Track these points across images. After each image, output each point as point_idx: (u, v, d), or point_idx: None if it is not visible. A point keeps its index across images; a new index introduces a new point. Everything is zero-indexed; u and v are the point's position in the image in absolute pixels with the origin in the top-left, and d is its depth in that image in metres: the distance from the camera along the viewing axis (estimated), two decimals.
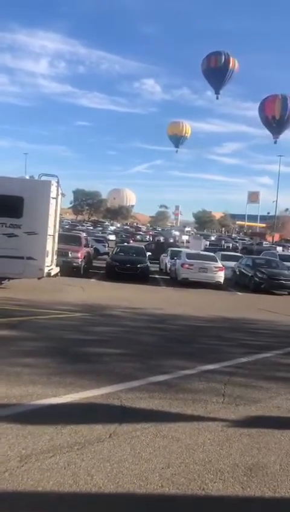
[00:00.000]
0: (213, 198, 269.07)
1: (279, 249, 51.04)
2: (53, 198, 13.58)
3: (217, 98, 69.83)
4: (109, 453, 3.96)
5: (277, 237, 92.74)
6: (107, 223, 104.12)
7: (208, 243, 51.25)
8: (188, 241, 55.62)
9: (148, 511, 3.26)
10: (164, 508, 3.30)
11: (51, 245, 14.04)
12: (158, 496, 3.38)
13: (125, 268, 19.79)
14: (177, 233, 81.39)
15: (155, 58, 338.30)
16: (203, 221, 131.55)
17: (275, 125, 64.30)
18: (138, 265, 20.16)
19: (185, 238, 68.54)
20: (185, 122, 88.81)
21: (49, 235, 13.54)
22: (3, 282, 14.14)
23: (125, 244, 36.59)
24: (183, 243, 55.16)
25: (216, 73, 64.96)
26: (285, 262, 22.60)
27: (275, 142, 66.71)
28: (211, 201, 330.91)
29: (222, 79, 65.75)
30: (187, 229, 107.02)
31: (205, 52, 67.62)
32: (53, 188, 13.54)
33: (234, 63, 65.38)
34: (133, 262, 20.58)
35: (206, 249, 35.01)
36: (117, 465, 3.75)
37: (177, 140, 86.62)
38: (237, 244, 60.93)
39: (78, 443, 4.10)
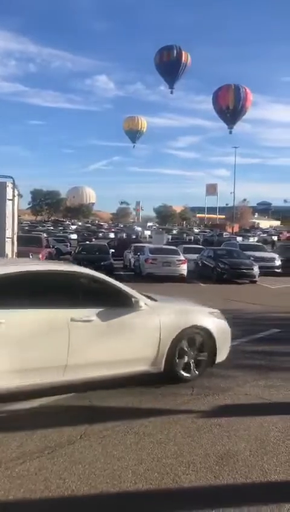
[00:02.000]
0: (173, 193, 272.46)
1: (239, 239, 52.05)
2: (9, 200, 13.22)
3: (171, 92, 70.16)
4: (81, 455, 3.91)
5: (236, 227, 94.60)
6: (68, 222, 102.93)
7: (170, 237, 51.61)
8: (150, 236, 55.86)
9: (122, 509, 3.24)
10: (138, 505, 3.30)
11: (10, 248, 13.72)
12: (132, 493, 3.38)
13: (88, 267, 19.60)
14: (139, 229, 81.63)
15: (107, 54, 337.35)
16: (164, 215, 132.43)
17: (229, 115, 65.23)
18: (102, 263, 20.05)
19: (147, 233, 68.83)
20: (141, 117, 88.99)
21: (8, 237, 13.21)
22: None
23: (88, 242, 36.28)
24: (145, 238, 55.31)
25: (169, 67, 65.23)
26: (245, 252, 23.02)
27: (230, 132, 67.69)
28: (171, 196, 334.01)
29: (175, 73, 66.08)
30: (149, 224, 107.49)
31: (158, 47, 67.77)
32: (8, 190, 13.19)
33: (187, 57, 65.84)
34: (96, 260, 20.45)
35: (168, 243, 35.26)
36: (89, 466, 3.72)
37: (134, 135, 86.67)
38: (198, 237, 61.65)
39: (48, 447, 4.03)
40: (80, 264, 19.53)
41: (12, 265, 5.61)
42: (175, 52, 65.26)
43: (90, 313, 5.25)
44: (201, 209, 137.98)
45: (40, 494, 3.31)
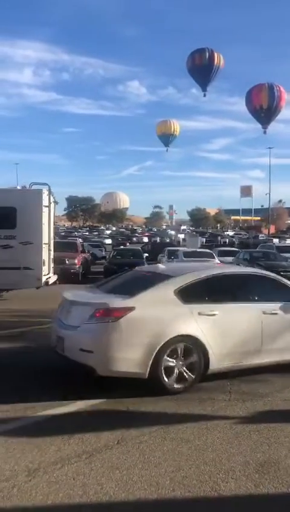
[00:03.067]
0: (207, 195, 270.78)
1: (275, 240, 51.01)
2: (45, 206, 13.50)
3: (204, 95, 69.53)
4: (118, 460, 3.90)
5: (272, 229, 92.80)
6: (102, 228, 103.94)
7: (204, 240, 51.21)
8: (184, 240, 55.61)
9: None
10: None
11: (47, 253, 13.97)
12: (170, 501, 3.33)
13: (124, 271, 19.70)
14: (173, 232, 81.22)
15: (138, 60, 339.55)
16: (198, 218, 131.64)
17: (263, 115, 64.07)
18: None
19: (181, 236, 68.54)
20: (173, 120, 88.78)
21: (44, 243, 13.46)
22: (1, 294, 14.07)
23: (122, 247, 36.49)
24: (179, 241, 55.09)
25: (202, 70, 64.77)
26: (282, 254, 22.55)
27: (265, 133, 66.43)
28: (205, 199, 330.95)
29: (208, 76, 65.53)
30: (183, 227, 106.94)
31: (189, 50, 67.52)
32: (45, 197, 13.46)
33: (219, 59, 65.18)
34: (130, 264, 20.47)
35: (202, 246, 35.01)
36: (127, 472, 3.70)
37: (167, 139, 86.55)
38: (233, 239, 60.89)
39: (86, 452, 4.04)
40: (117, 268, 19.84)
41: (215, 269, 6.99)
42: (207, 54, 64.77)
43: (275, 307, 6.27)
44: (236, 212, 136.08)
45: (78, 499, 3.31)
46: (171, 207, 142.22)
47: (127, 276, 7.19)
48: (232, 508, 3.32)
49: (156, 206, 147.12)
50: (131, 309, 5.47)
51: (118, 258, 22.31)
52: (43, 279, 13.07)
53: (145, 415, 4.96)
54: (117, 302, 5.65)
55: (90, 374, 5.52)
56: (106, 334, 5.38)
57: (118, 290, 6.29)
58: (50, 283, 13.89)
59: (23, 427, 4.57)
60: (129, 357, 5.38)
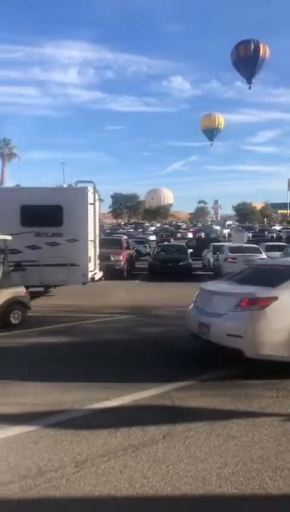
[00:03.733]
0: (252, 189, 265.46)
1: None
2: (90, 204, 13.71)
3: (249, 88, 68.11)
4: (164, 455, 3.91)
5: None
6: (147, 224, 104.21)
7: (250, 234, 50.25)
8: (230, 235, 54.82)
9: None
10: (223, 509, 3.21)
11: (93, 250, 14.19)
12: (216, 497, 3.30)
13: (168, 267, 19.75)
14: (218, 227, 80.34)
15: (182, 55, 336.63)
16: (244, 213, 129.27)
17: None
18: (180, 263, 20.06)
19: (226, 232, 67.64)
20: (218, 114, 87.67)
21: (90, 240, 13.69)
22: (49, 290, 14.43)
23: (166, 243, 36.44)
24: (225, 237, 54.39)
25: (247, 62, 63.47)
26: None
27: None
28: (251, 193, 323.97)
29: (253, 68, 64.17)
30: (228, 222, 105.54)
31: (233, 43, 66.29)
32: (90, 194, 13.68)
33: (265, 50, 63.66)
34: (175, 260, 20.49)
35: (249, 241, 34.37)
36: (173, 467, 3.70)
37: (211, 133, 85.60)
38: (281, 234, 59.41)
39: (132, 446, 4.08)
40: (161, 264, 19.87)
41: None
42: (252, 46, 63.39)
43: None
44: (283, 205, 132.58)
45: (125, 491, 3.35)
46: (216, 202, 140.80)
47: (256, 269, 7.98)
48: (281, 507, 3.25)
49: (200, 202, 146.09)
50: (275, 298, 6.02)
51: (162, 254, 22.33)
52: (89, 275, 13.30)
53: (191, 410, 4.94)
54: (261, 292, 6.20)
55: (238, 356, 6.05)
56: (253, 321, 5.94)
57: (253, 281, 6.83)
58: (96, 279, 14.11)
59: (71, 420, 4.67)
60: (275, 342, 5.85)
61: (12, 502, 3.20)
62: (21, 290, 9.75)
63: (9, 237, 10.04)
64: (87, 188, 13.86)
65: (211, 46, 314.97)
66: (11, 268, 10.30)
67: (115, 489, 3.36)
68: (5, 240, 9.92)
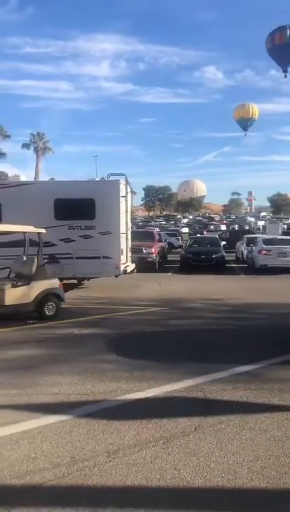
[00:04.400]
0: (288, 180, 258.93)
1: None
2: (122, 196, 13.76)
3: (285, 76, 66.18)
4: (195, 447, 3.91)
5: None
6: (179, 216, 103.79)
7: (285, 226, 49.25)
8: (264, 227, 53.89)
9: (238, 505, 3.16)
10: (255, 503, 3.19)
11: (125, 243, 14.26)
12: (248, 490, 3.28)
13: (200, 260, 19.63)
14: (252, 219, 79.13)
15: (214, 44, 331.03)
16: (279, 204, 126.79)
17: None
18: (213, 256, 19.89)
19: (261, 223, 66.51)
20: (252, 104, 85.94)
21: (122, 233, 13.75)
22: (83, 282, 14.62)
23: (199, 235, 36.19)
24: (259, 229, 53.53)
25: (282, 50, 61.68)
26: None
27: None
28: (286, 184, 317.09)
29: (289, 55, 62.47)
30: (262, 214, 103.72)
31: (266, 30, 64.70)
32: (122, 187, 13.72)
33: None
34: (207, 253, 20.34)
35: (284, 233, 33.69)
36: (204, 459, 3.70)
37: (245, 123, 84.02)
38: None
39: (163, 437, 4.10)
40: (193, 256, 19.76)
41: None
42: (288, 32, 61.62)
43: None
44: None
45: (156, 482, 3.37)
46: (250, 193, 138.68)
47: None
48: None
49: (234, 193, 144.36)
50: None
51: (194, 247, 22.21)
52: (121, 268, 13.38)
53: (223, 403, 4.92)
54: None
55: None
56: None
57: None
58: (128, 272, 14.19)
59: (104, 410, 4.74)
60: None
61: (45, 489, 3.28)
62: (55, 282, 9.91)
63: (43, 230, 10.21)
64: (119, 180, 13.91)
65: (245, 35, 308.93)
66: (46, 260, 10.49)
67: (145, 480, 3.40)
68: (39, 233, 10.10)
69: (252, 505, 3.16)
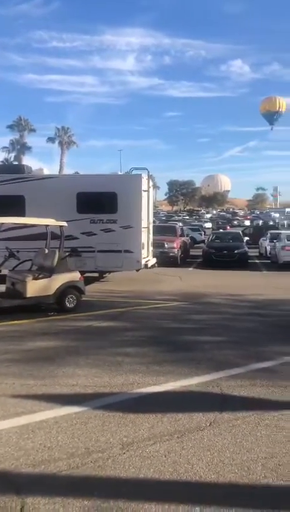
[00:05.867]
0: None
1: None
2: (144, 191, 13.75)
3: None
4: (210, 442, 3.90)
5: None
6: (203, 211, 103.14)
7: None
8: (289, 224, 53.06)
9: (251, 501, 3.14)
10: (268, 500, 3.16)
11: (146, 237, 14.26)
12: (262, 487, 3.26)
13: (222, 255, 19.48)
14: (277, 215, 77.99)
15: (241, 37, 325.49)
16: None
17: None
18: (235, 251, 19.72)
19: (286, 220, 65.46)
20: (279, 97, 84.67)
21: (144, 227, 13.76)
22: (104, 275, 14.71)
23: (221, 230, 35.88)
24: (284, 225, 52.78)
25: None
26: None
27: None
28: None
29: None
30: (288, 210, 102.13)
31: None
32: (144, 181, 13.71)
33: None
34: (229, 248, 20.17)
35: None
36: (218, 454, 3.69)
37: (272, 117, 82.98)
38: None
39: (178, 431, 4.10)
40: (215, 251, 19.63)
41: None
42: None
43: None
44: None
45: (168, 475, 3.38)
46: (275, 189, 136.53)
47: None
48: None
49: (259, 188, 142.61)
50: None
51: (217, 242, 22.05)
52: (143, 262, 13.40)
53: (240, 399, 4.89)
54: None
55: None
56: None
57: None
58: (149, 266, 14.20)
59: (120, 403, 4.76)
60: None
61: (59, 478, 3.33)
62: (76, 275, 9.99)
63: (64, 223, 10.29)
64: (141, 175, 13.90)
65: (272, 28, 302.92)
66: (67, 253, 10.58)
67: (158, 473, 3.41)
68: (61, 226, 10.19)
69: (264, 502, 3.14)
